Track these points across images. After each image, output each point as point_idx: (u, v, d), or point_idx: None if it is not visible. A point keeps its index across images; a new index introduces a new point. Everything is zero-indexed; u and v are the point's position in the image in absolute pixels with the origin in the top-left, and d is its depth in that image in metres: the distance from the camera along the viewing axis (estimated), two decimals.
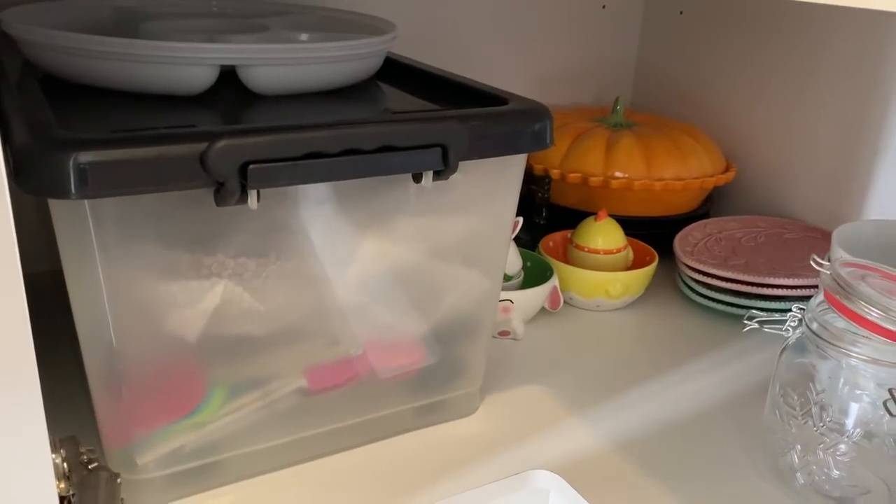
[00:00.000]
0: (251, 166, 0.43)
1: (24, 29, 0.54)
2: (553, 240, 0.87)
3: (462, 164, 0.51)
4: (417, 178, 0.51)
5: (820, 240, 0.88)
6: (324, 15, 0.73)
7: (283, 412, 0.55)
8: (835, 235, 0.67)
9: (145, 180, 0.42)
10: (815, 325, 0.54)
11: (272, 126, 0.45)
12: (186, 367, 0.51)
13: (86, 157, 0.40)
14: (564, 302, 0.81)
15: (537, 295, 0.75)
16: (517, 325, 0.73)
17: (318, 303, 0.53)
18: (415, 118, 0.50)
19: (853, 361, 0.52)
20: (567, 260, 0.84)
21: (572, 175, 0.89)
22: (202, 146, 0.43)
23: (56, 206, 0.43)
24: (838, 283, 0.53)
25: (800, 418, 0.55)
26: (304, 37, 0.65)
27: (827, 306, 0.54)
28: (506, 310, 0.72)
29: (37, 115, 0.45)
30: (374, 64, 0.63)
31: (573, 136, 0.93)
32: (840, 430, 0.53)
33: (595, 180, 0.88)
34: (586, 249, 0.82)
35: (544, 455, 0.59)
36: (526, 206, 0.92)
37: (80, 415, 0.57)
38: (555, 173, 0.90)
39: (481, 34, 0.99)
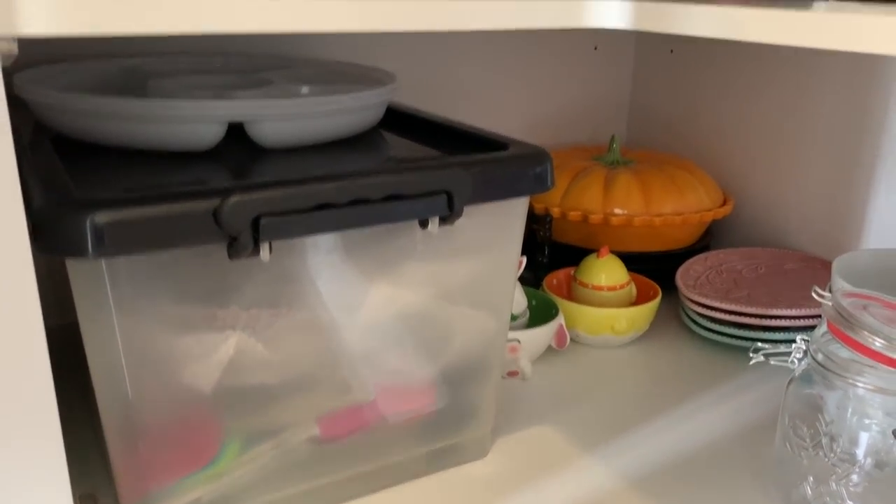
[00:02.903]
0: (263, 220, 0.45)
1: (36, 91, 0.55)
2: (556, 277, 0.88)
3: (466, 209, 0.52)
4: (424, 224, 0.52)
5: (820, 269, 0.89)
6: (325, 68, 0.75)
7: (297, 461, 0.55)
8: (834, 266, 0.68)
9: (161, 238, 0.43)
10: (820, 356, 0.55)
11: (282, 180, 0.46)
12: (202, 419, 0.51)
13: (102, 217, 0.41)
14: (571, 339, 0.82)
15: (544, 334, 0.76)
16: (525, 365, 0.73)
17: (330, 351, 0.53)
18: (420, 167, 0.51)
19: (860, 391, 0.53)
20: (571, 297, 0.85)
21: (573, 213, 0.90)
22: (215, 202, 0.44)
23: (73, 265, 0.44)
24: (841, 314, 0.53)
25: (811, 450, 0.55)
26: (307, 90, 0.67)
27: (831, 337, 0.55)
28: (513, 350, 0.73)
29: (52, 176, 0.46)
30: (376, 114, 0.64)
31: (572, 174, 0.94)
32: (851, 460, 0.53)
33: (595, 217, 0.89)
34: (590, 286, 0.83)
35: (558, 496, 0.59)
36: (528, 244, 0.92)
37: (95, 470, 0.57)
38: (555, 212, 0.91)
39: (477, 79, 1.01)
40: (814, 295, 0.57)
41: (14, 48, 0.34)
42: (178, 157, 0.55)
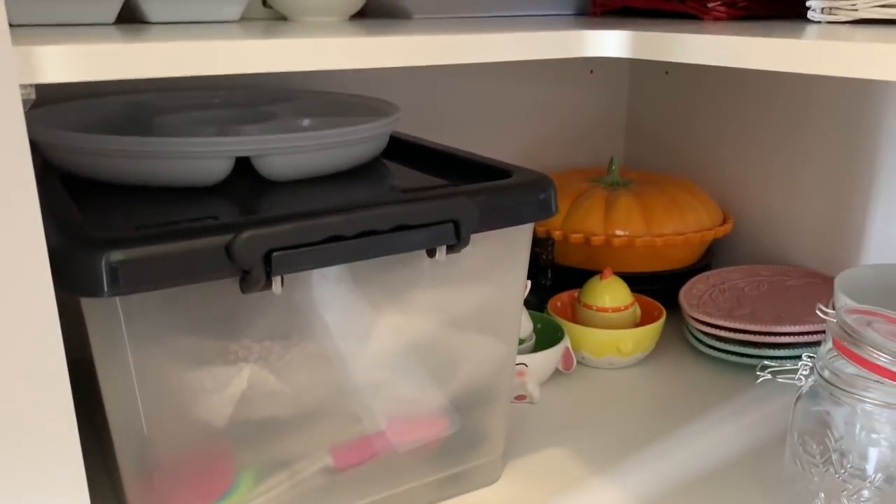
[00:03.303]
0: (275, 254, 0.45)
1: (44, 132, 0.56)
2: (560, 300, 0.89)
3: (473, 237, 0.53)
4: (431, 253, 0.53)
5: (821, 284, 0.89)
6: (328, 99, 0.76)
7: (311, 492, 0.55)
8: (837, 282, 0.69)
9: (175, 275, 0.44)
10: (826, 373, 0.56)
11: (292, 213, 0.47)
12: (216, 452, 0.51)
13: (117, 256, 0.42)
14: (577, 362, 0.82)
15: (550, 357, 0.76)
16: (533, 389, 0.74)
17: (341, 380, 0.54)
18: (426, 197, 0.52)
19: (867, 407, 0.53)
20: (576, 319, 0.85)
21: (574, 235, 0.91)
22: (227, 238, 0.44)
23: (88, 303, 0.45)
24: (845, 331, 0.54)
25: (821, 466, 0.55)
26: (311, 122, 0.68)
27: (836, 353, 0.55)
28: (520, 374, 0.73)
29: (65, 216, 0.47)
30: (380, 145, 0.65)
31: (572, 197, 0.95)
32: (861, 476, 0.54)
33: (597, 239, 0.90)
34: (594, 308, 0.84)
35: None
36: (531, 267, 0.93)
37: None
38: (557, 234, 0.92)
39: (474, 103, 1.03)
40: (818, 312, 0.57)
41: (32, 94, 0.35)
42: (186, 191, 0.56)
